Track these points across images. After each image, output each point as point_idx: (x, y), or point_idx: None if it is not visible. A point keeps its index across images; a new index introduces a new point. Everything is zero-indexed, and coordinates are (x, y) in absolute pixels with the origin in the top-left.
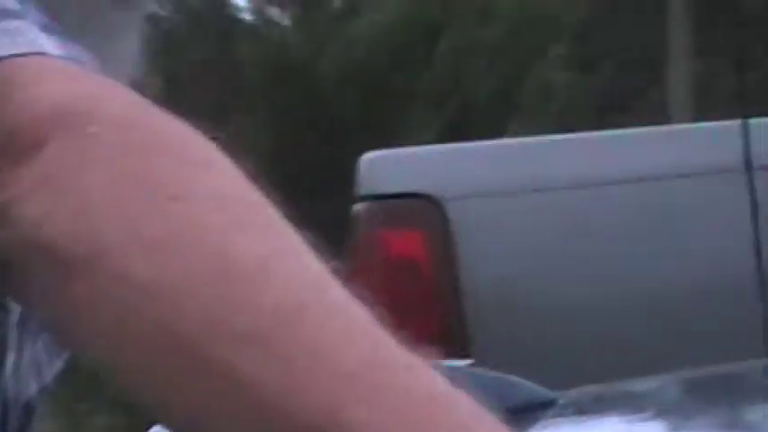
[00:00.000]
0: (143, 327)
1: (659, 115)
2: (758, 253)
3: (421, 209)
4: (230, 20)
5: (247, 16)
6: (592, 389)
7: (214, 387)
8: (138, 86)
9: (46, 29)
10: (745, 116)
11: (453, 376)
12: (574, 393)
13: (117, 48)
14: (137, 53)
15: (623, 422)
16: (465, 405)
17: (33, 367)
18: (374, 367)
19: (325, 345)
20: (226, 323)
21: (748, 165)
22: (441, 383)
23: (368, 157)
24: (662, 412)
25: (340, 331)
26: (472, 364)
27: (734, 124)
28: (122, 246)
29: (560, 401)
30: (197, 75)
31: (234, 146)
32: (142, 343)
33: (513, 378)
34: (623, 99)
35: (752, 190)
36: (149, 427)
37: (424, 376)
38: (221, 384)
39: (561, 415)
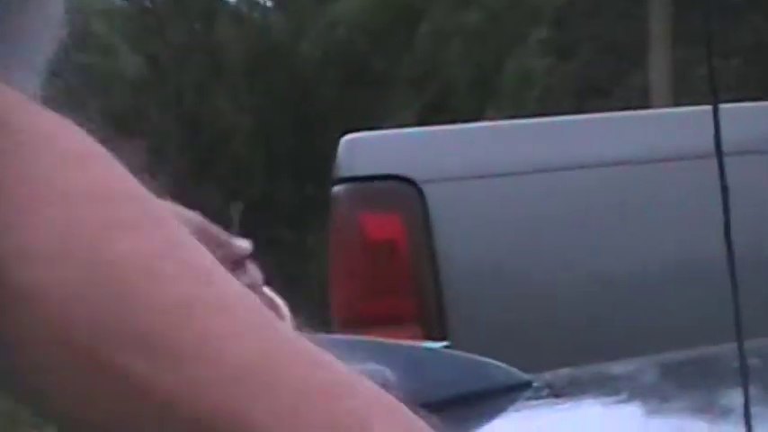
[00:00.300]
0: (37, 335)
1: (639, 101)
2: (728, 238)
3: (399, 191)
4: (212, 0)
5: None
6: (567, 371)
7: (115, 392)
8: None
9: None
10: (716, 102)
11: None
12: (549, 376)
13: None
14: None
15: (598, 404)
16: (365, 395)
17: None
18: (267, 361)
19: (215, 342)
20: (117, 326)
21: (719, 150)
22: (339, 372)
23: (347, 138)
24: (637, 395)
25: (230, 327)
26: (448, 346)
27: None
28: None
29: (536, 384)
30: (178, 56)
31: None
32: (37, 354)
33: (489, 360)
34: (603, 84)
35: (722, 175)
36: None
37: (319, 367)
38: (121, 389)
39: (537, 397)
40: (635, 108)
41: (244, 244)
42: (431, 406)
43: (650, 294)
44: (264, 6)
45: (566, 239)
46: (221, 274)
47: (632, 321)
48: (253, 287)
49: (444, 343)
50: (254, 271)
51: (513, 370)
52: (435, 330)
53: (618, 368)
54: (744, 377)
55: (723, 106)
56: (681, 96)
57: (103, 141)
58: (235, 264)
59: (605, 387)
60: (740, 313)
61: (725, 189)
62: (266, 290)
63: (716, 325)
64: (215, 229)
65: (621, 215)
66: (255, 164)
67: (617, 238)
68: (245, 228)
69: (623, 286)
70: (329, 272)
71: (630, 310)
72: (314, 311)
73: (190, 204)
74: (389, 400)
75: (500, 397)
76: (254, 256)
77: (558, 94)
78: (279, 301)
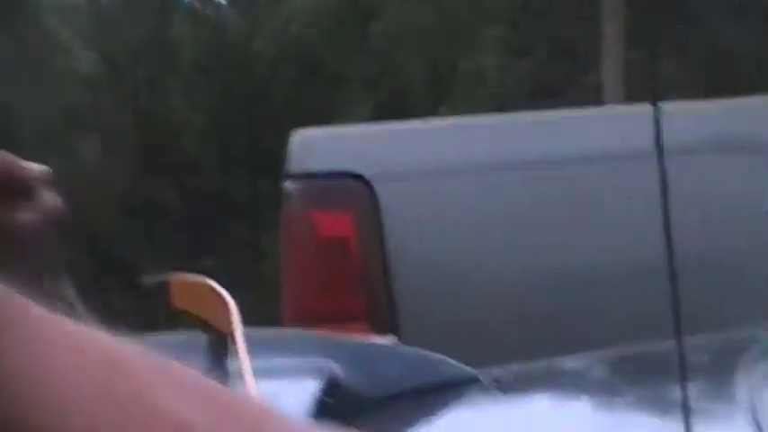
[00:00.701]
0: None
1: (593, 100)
2: (668, 236)
3: (351, 188)
4: None
5: None
6: (514, 367)
7: None
8: None
9: None
10: (656, 100)
11: (377, 352)
12: (496, 371)
13: None
14: None
15: (545, 399)
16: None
17: None
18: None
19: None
20: None
21: (659, 148)
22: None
23: (298, 134)
24: (583, 390)
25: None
26: (398, 342)
27: (646, 108)
28: None
29: (483, 379)
30: (133, 52)
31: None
32: None
33: (437, 356)
34: (556, 84)
35: (662, 173)
36: None
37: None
38: None
39: (484, 392)
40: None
41: (37, 167)
42: (379, 400)
43: (597, 291)
44: (219, 4)
45: (516, 237)
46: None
47: (579, 318)
48: (47, 215)
49: (393, 338)
50: (49, 199)
51: (461, 365)
52: (385, 327)
53: (565, 363)
54: (682, 372)
55: (666, 105)
56: (632, 97)
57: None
58: (24, 193)
59: (552, 382)
60: (679, 310)
61: (665, 187)
62: (215, 286)
63: (659, 321)
64: None
65: (571, 213)
66: (209, 160)
67: (567, 235)
68: (199, 224)
69: (571, 283)
70: (281, 268)
71: (578, 307)
72: (267, 308)
73: (143, 199)
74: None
75: (447, 392)
76: (208, 252)
77: (512, 93)
78: (227, 297)
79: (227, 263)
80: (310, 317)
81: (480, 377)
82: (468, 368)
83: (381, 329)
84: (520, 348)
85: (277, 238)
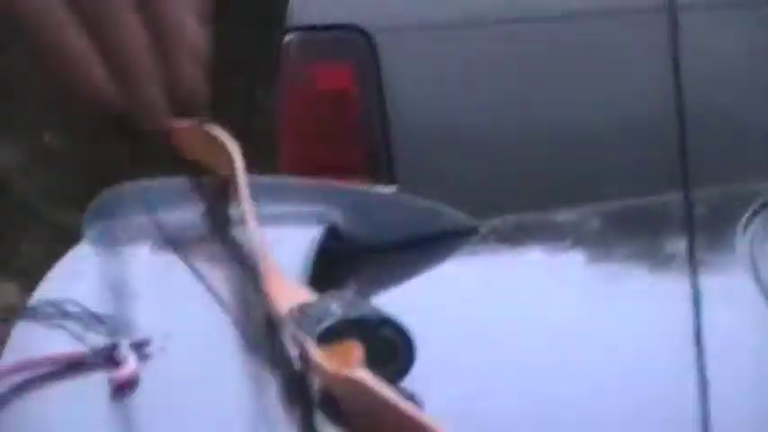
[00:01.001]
0: None
1: None
2: (678, 91)
3: (350, 40)
4: None
5: None
6: (513, 218)
7: None
8: None
9: None
10: None
11: (378, 201)
12: (496, 222)
13: None
14: None
15: (544, 250)
16: None
17: None
18: None
19: None
20: None
21: (671, 4)
22: None
23: None
24: (582, 242)
25: None
26: (397, 191)
27: None
28: None
29: (482, 229)
30: None
31: None
32: None
33: (437, 205)
34: None
35: (674, 29)
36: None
37: None
38: None
39: (483, 242)
40: None
41: None
42: (378, 248)
43: (597, 145)
44: None
45: (518, 89)
46: None
47: (582, 173)
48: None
49: (393, 188)
50: None
51: (460, 215)
52: (384, 178)
53: (563, 216)
54: (690, 223)
55: None
56: None
57: None
58: None
59: (551, 234)
60: (687, 161)
61: (675, 40)
62: (217, 131)
63: (662, 177)
64: None
65: (571, 67)
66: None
67: (565, 87)
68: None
69: (574, 136)
70: (278, 122)
71: (577, 161)
72: (261, 162)
73: None
74: None
75: (447, 241)
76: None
77: None
78: (229, 142)
79: (222, 116)
80: (308, 169)
81: (479, 227)
82: (467, 217)
83: (380, 181)
84: (519, 201)
85: (273, 93)
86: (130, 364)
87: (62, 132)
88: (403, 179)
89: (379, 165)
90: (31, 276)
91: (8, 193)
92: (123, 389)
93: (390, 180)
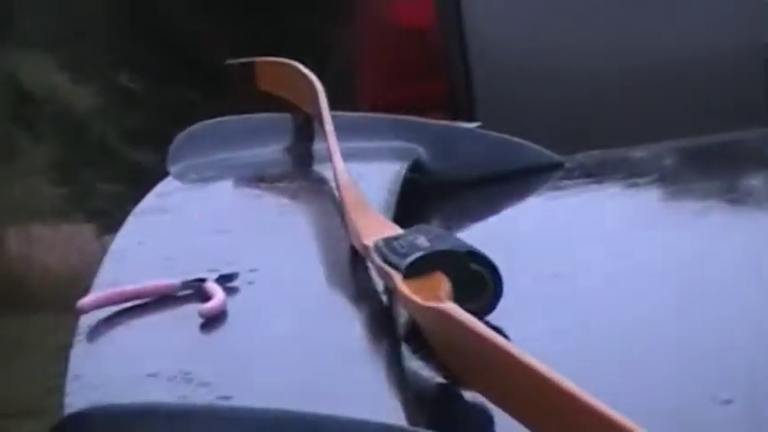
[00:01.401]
0: None
1: None
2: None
3: None
4: None
5: None
6: (596, 154)
7: None
8: None
9: None
10: None
11: (462, 136)
12: (579, 158)
13: None
14: None
15: (629, 186)
16: None
17: None
18: None
19: None
20: None
21: None
22: None
23: None
24: (663, 178)
25: None
26: (480, 127)
27: None
28: None
29: (567, 165)
30: None
31: None
32: None
33: (522, 141)
34: None
35: None
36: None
37: None
38: None
39: (568, 178)
40: None
41: None
42: (463, 183)
43: (681, 80)
44: None
45: (596, 22)
46: None
47: (661, 106)
48: None
49: (476, 124)
50: None
51: (545, 151)
52: (465, 115)
53: (645, 152)
54: None
55: None
56: None
57: None
58: None
59: (633, 170)
60: None
61: None
62: (301, 67)
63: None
64: None
65: (658, 5)
66: None
67: (647, 21)
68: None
69: (653, 70)
70: (357, 58)
71: (659, 95)
72: (332, 99)
73: None
74: None
75: (532, 176)
76: (268, 46)
77: None
78: (313, 78)
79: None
80: (388, 105)
81: (565, 162)
82: (551, 153)
83: (462, 117)
84: (601, 135)
85: (341, 30)
86: (219, 297)
87: (138, 73)
88: (484, 115)
89: (459, 101)
90: (110, 216)
91: (85, 134)
92: (212, 321)
93: (471, 117)
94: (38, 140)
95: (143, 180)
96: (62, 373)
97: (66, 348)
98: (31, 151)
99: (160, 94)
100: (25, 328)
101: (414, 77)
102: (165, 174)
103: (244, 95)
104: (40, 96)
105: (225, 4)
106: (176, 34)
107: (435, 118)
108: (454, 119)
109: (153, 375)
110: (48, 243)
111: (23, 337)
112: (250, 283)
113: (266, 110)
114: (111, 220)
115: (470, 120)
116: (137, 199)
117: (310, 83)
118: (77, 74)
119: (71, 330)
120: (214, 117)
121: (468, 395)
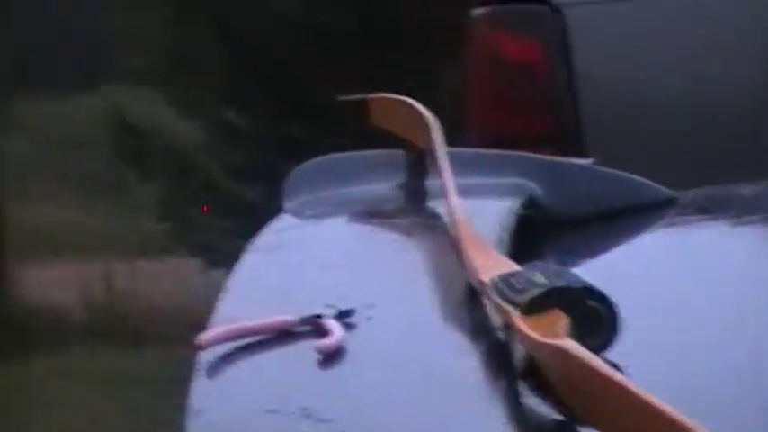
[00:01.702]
0: None
1: None
2: None
3: (539, 14)
4: None
5: None
6: (708, 190)
7: None
8: None
9: None
10: None
11: (574, 172)
12: (692, 194)
13: None
14: None
15: (741, 224)
16: None
17: None
18: None
19: None
20: None
21: None
22: None
23: None
24: None
25: None
26: (594, 163)
27: None
28: None
29: (682, 201)
30: None
31: None
32: None
33: (635, 177)
34: None
35: None
36: (261, 227)
37: None
38: None
39: (682, 214)
40: None
41: None
42: (576, 219)
43: None
44: None
45: (709, 61)
46: None
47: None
48: None
49: (590, 160)
50: None
51: (659, 187)
52: (574, 150)
53: (752, 189)
54: None
55: None
56: None
57: None
58: None
59: (747, 205)
60: None
61: None
62: (415, 104)
63: None
64: None
65: (761, 34)
66: None
67: (757, 58)
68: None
69: (759, 104)
70: (466, 95)
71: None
72: (449, 135)
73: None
74: None
75: (646, 213)
76: (381, 82)
77: None
78: (427, 114)
79: (400, 92)
80: (497, 141)
81: (678, 199)
82: (665, 189)
83: (571, 153)
84: (711, 171)
85: (451, 67)
86: (337, 333)
87: (244, 110)
88: (593, 152)
89: (568, 137)
90: (214, 250)
91: (191, 170)
92: (330, 357)
93: (580, 153)
94: (144, 176)
95: (247, 215)
96: (172, 407)
97: (172, 381)
98: (137, 187)
99: (265, 131)
100: (131, 361)
101: (524, 115)
102: (272, 209)
103: (353, 132)
104: (146, 132)
105: (333, 42)
106: (284, 71)
107: (543, 152)
108: (563, 153)
109: (273, 412)
110: (153, 277)
111: (130, 369)
112: (368, 318)
113: (376, 146)
114: (215, 254)
115: (581, 155)
116: (242, 233)
117: (424, 119)
118: (184, 109)
119: (177, 363)
120: (319, 154)
121: None
